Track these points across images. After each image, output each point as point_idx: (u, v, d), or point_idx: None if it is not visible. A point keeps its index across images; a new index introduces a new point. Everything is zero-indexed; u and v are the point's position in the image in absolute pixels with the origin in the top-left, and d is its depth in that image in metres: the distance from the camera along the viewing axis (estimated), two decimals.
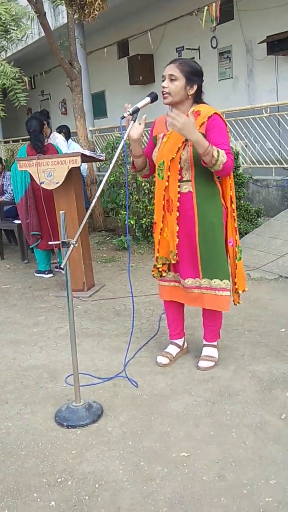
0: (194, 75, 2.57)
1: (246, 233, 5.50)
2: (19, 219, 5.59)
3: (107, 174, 2.41)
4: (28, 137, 4.86)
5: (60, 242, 2.34)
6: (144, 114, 2.59)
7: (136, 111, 2.47)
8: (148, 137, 2.85)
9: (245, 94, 9.77)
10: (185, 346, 3.10)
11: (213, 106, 2.63)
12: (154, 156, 2.72)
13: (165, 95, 2.57)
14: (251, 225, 5.64)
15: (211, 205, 2.65)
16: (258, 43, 8.99)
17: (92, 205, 2.32)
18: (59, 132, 6.36)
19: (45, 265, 5.10)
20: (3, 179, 6.47)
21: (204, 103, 2.65)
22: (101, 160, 4.42)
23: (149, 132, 2.89)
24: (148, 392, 2.68)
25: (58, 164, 4.04)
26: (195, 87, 2.58)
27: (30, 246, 5.09)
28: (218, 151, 2.42)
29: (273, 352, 3.05)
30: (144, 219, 5.71)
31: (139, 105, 2.49)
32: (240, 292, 2.86)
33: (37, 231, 4.86)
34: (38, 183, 4.18)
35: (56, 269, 5.20)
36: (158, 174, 2.71)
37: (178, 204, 2.64)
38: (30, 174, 4.39)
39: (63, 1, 4.66)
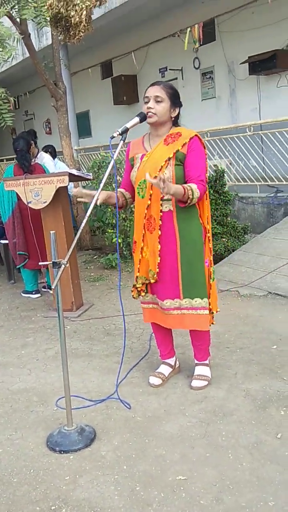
0: (177, 98, 2.67)
1: (233, 250, 5.51)
2: (5, 239, 5.55)
3: (97, 193, 2.40)
4: (12, 157, 4.85)
5: (51, 262, 2.31)
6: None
7: (125, 131, 2.50)
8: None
9: (228, 113, 9.92)
10: (177, 366, 3.07)
11: (197, 125, 2.69)
12: (133, 176, 2.72)
13: (151, 115, 2.59)
14: (238, 242, 5.67)
15: (191, 225, 2.67)
16: (240, 64, 9.17)
17: (83, 225, 2.31)
18: (45, 152, 6.36)
19: (33, 285, 5.04)
20: None
21: (179, 126, 2.73)
22: (88, 179, 4.42)
23: (125, 156, 2.90)
24: (141, 413, 2.64)
25: (45, 184, 4.02)
26: (177, 110, 2.68)
27: (17, 266, 5.04)
28: (192, 191, 2.49)
29: (266, 369, 3.03)
30: (132, 238, 5.69)
31: (128, 125, 2.51)
32: (214, 312, 2.87)
33: (23, 251, 4.82)
34: (25, 202, 4.16)
35: (43, 289, 5.14)
36: (137, 193, 2.70)
37: (160, 222, 2.64)
38: (17, 194, 4.37)
39: (49, 23, 4.69)
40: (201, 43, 8.50)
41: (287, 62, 8.37)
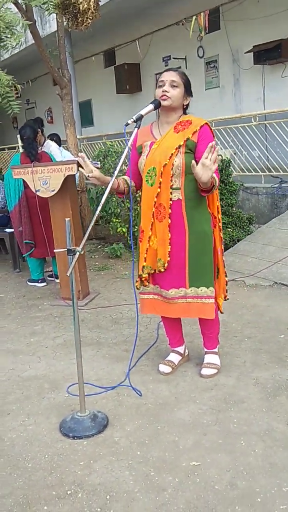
0: (190, 87, 2.67)
1: (238, 240, 5.52)
2: (10, 228, 5.55)
3: (111, 182, 2.40)
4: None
5: (66, 249, 2.31)
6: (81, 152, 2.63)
7: (139, 118, 2.47)
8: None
9: (232, 103, 9.88)
10: (186, 354, 3.09)
11: (200, 115, 2.71)
12: (141, 163, 2.68)
13: (165, 98, 2.57)
14: (244, 232, 5.67)
15: (200, 214, 2.66)
16: (245, 53, 9.10)
17: (97, 212, 2.31)
18: (50, 140, 6.32)
19: (38, 273, 5.04)
20: None
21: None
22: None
23: (131, 145, 2.83)
24: (152, 401, 2.66)
25: (54, 172, 4.01)
26: (189, 99, 2.68)
27: (24, 255, 5.04)
28: (215, 179, 2.48)
29: (274, 358, 3.05)
30: (137, 227, 5.69)
31: (142, 112, 2.49)
32: (222, 299, 2.92)
33: (29, 240, 4.82)
34: (34, 191, 4.15)
35: (49, 278, 5.15)
36: (146, 181, 2.67)
37: (170, 211, 2.63)
38: (24, 182, 4.36)
39: (57, 10, 4.64)
40: (207, 31, 8.44)
41: None
